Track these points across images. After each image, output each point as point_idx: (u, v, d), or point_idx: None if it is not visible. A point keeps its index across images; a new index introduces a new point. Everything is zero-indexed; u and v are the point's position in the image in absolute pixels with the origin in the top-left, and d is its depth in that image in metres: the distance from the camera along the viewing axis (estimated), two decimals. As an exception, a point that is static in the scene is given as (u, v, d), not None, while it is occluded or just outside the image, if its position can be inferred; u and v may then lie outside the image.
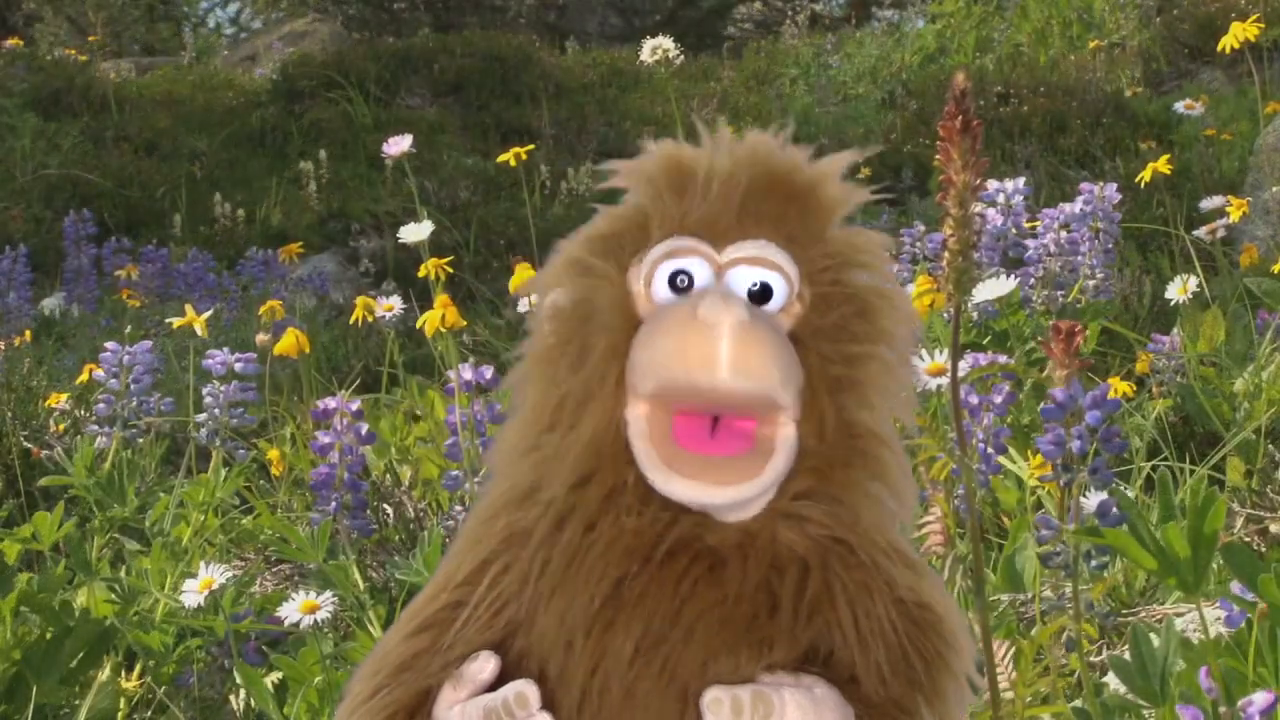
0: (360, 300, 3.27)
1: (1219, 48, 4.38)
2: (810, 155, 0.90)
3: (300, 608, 2.07)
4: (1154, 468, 2.52)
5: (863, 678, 0.86)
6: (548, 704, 0.84)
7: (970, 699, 0.89)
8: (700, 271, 0.86)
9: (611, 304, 0.86)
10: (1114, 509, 1.69)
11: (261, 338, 3.29)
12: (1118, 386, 2.72)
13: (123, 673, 2.25)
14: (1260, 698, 0.96)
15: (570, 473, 0.86)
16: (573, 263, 0.88)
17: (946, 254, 1.32)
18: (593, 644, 0.84)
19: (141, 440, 2.88)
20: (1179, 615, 2.06)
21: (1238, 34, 4.22)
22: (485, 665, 0.86)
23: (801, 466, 0.86)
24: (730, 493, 0.83)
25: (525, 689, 0.84)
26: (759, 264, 0.86)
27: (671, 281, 0.86)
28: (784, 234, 0.87)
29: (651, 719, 0.84)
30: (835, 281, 0.88)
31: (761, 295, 0.86)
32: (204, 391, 2.66)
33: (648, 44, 4.09)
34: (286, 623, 2.07)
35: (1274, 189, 4.61)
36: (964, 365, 2.29)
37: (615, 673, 0.84)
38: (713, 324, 0.81)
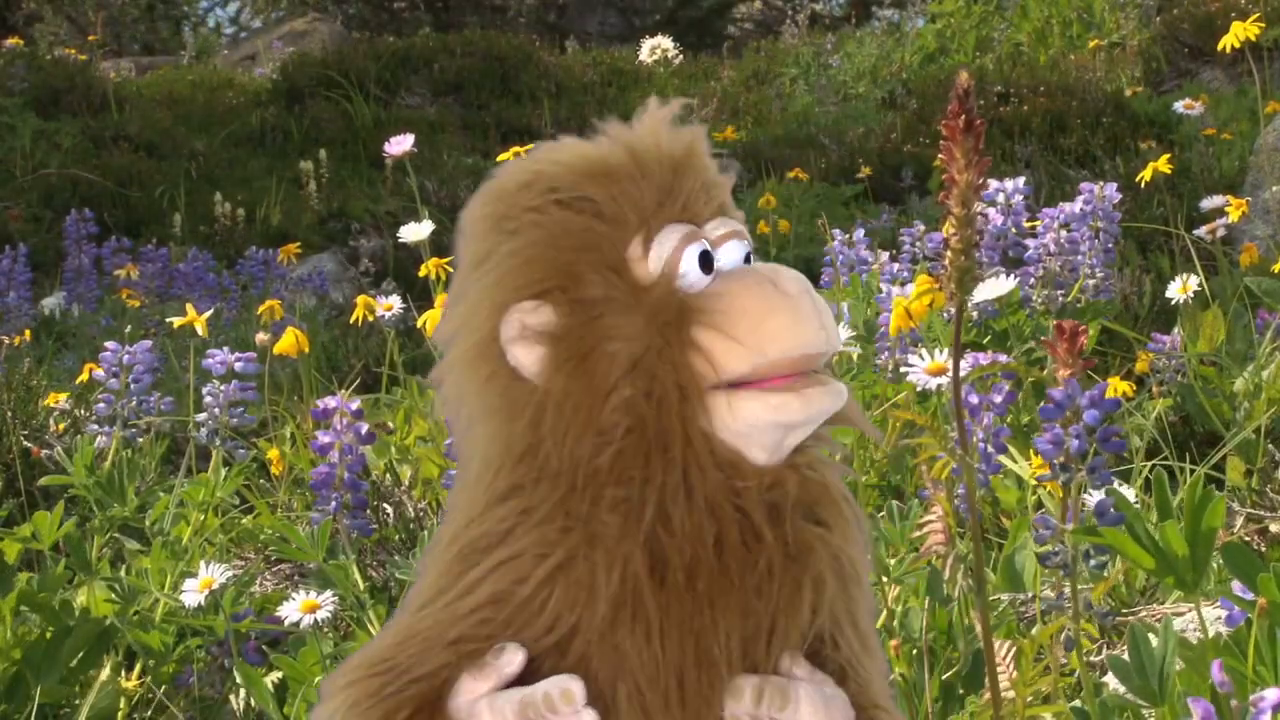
0: (360, 299, 3.27)
1: (1219, 47, 4.38)
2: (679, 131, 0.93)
3: (300, 607, 2.07)
4: (1153, 467, 2.52)
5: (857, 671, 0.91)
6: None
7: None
8: (705, 250, 0.89)
9: (656, 304, 0.87)
10: (1112, 508, 1.69)
11: (261, 337, 3.29)
12: (1118, 386, 2.72)
13: (123, 672, 2.25)
14: (1272, 693, 0.96)
15: (666, 466, 0.85)
16: (559, 281, 0.87)
17: (949, 253, 1.33)
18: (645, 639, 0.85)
19: (141, 440, 2.88)
20: (1178, 615, 2.06)
21: (1238, 33, 4.21)
22: (514, 657, 0.85)
23: None
24: (842, 388, 0.88)
25: (571, 685, 0.83)
26: (742, 237, 0.91)
27: (702, 261, 0.88)
28: (726, 209, 0.92)
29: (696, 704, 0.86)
30: None
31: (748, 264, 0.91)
32: (204, 391, 2.66)
33: (647, 44, 4.10)
34: (286, 622, 2.07)
35: (1274, 188, 4.60)
36: (964, 365, 2.29)
37: (663, 668, 0.85)
38: (802, 295, 0.86)
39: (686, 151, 0.91)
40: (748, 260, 0.90)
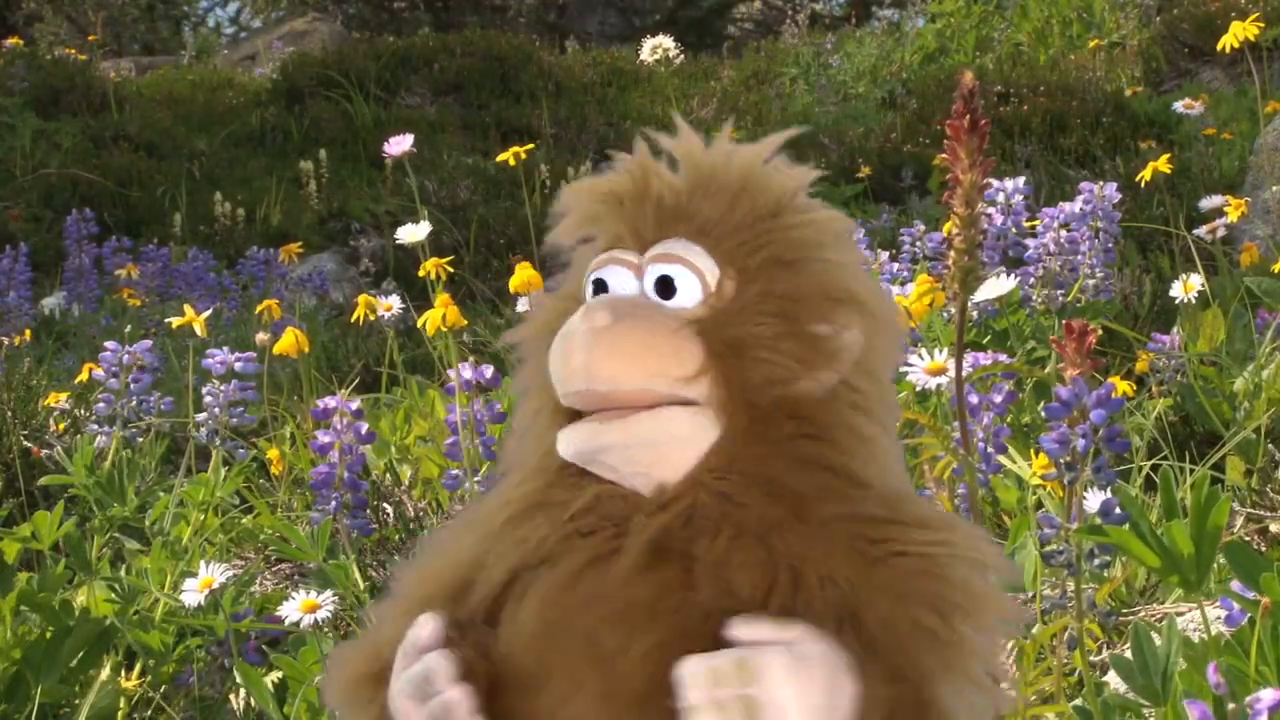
0: (361, 299, 3.27)
1: (1219, 47, 4.38)
2: (743, 145, 0.94)
3: (300, 607, 2.07)
4: (1154, 467, 2.52)
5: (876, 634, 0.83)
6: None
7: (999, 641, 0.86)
8: (619, 278, 0.90)
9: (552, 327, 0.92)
10: (1116, 508, 1.69)
11: (261, 337, 3.29)
12: (1118, 386, 2.72)
13: (123, 672, 2.25)
14: (1268, 695, 0.96)
15: (523, 467, 0.92)
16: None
17: (952, 252, 1.32)
18: (508, 619, 0.86)
19: (141, 440, 2.88)
20: (1180, 614, 2.05)
21: (1238, 33, 4.21)
22: (422, 630, 0.85)
23: (723, 444, 0.87)
24: (622, 429, 0.86)
25: (433, 663, 0.83)
26: (664, 260, 0.89)
27: (597, 290, 0.91)
28: (695, 228, 0.90)
29: (568, 692, 0.84)
30: (765, 265, 0.90)
31: (664, 289, 0.89)
32: (204, 391, 2.66)
33: (648, 43, 4.09)
34: (286, 622, 2.07)
35: (1274, 188, 4.60)
36: (965, 365, 2.29)
37: (520, 647, 0.85)
38: (571, 333, 0.87)
39: (657, 179, 0.92)
40: (665, 283, 0.89)
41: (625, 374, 0.86)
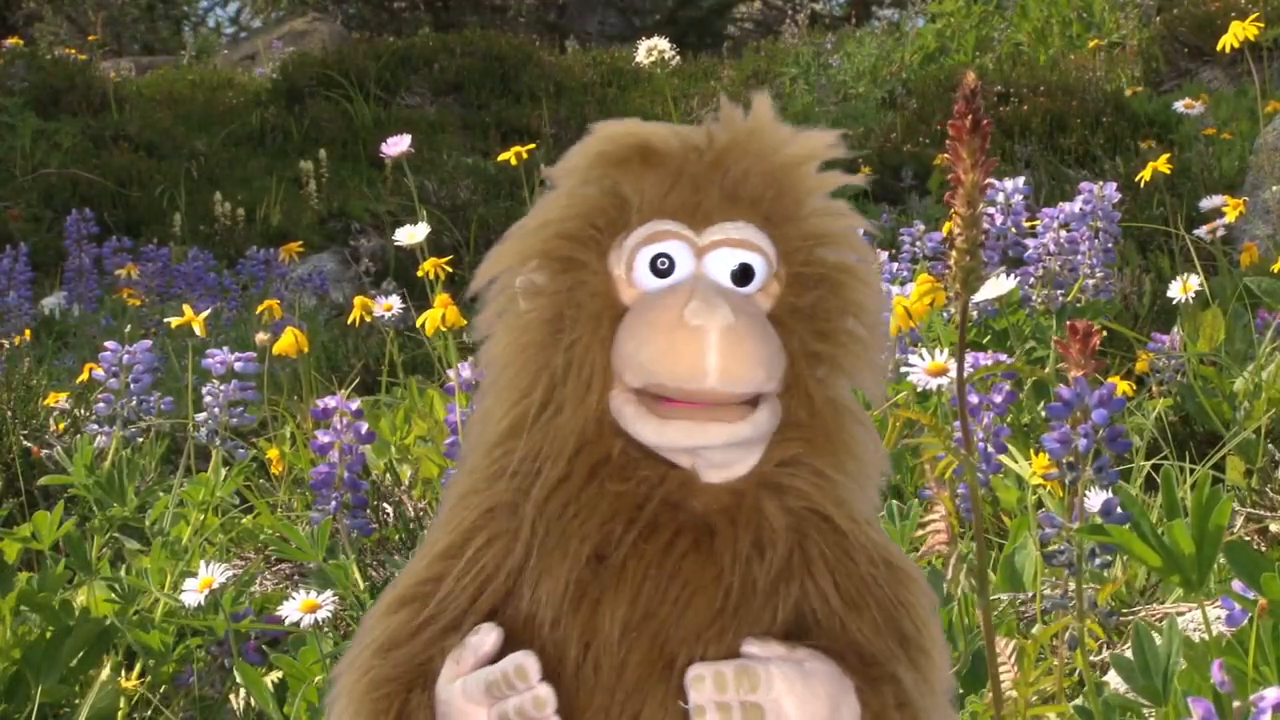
0: (358, 300, 3.27)
1: (1219, 47, 4.38)
2: (793, 131, 0.91)
3: (300, 607, 2.06)
4: (1155, 467, 2.52)
5: (856, 638, 0.87)
6: (546, 676, 0.84)
7: (947, 663, 0.90)
8: (681, 255, 0.87)
9: (594, 294, 0.87)
10: (1118, 507, 1.69)
11: (261, 337, 3.29)
12: (1119, 386, 2.72)
13: (123, 672, 2.25)
14: (1272, 693, 0.96)
15: (558, 450, 0.87)
16: (551, 251, 0.88)
17: (954, 253, 1.32)
18: (582, 620, 0.85)
19: (141, 440, 2.88)
20: (1180, 614, 2.05)
21: (1237, 33, 4.21)
22: (486, 638, 0.86)
23: (786, 436, 0.87)
24: (724, 430, 0.84)
25: (525, 661, 0.83)
26: (740, 246, 0.87)
27: (653, 266, 0.87)
28: (762, 214, 0.88)
29: (641, 694, 0.85)
30: (809, 261, 0.89)
31: (743, 277, 0.87)
32: (204, 391, 2.66)
33: (643, 45, 4.08)
34: (286, 622, 2.07)
35: (1274, 188, 4.60)
36: (966, 364, 2.29)
37: (605, 650, 0.85)
38: (700, 329, 0.83)
39: (712, 148, 0.89)
40: (745, 271, 0.87)
41: (753, 377, 0.84)
